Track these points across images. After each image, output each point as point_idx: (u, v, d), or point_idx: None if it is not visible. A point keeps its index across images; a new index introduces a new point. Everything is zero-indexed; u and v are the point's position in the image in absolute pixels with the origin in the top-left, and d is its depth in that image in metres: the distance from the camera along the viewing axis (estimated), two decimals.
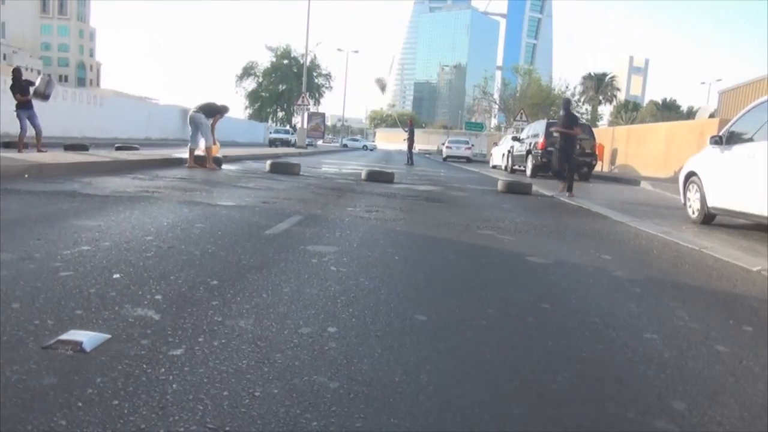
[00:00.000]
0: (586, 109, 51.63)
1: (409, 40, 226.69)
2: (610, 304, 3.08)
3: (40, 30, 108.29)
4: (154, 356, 1.91)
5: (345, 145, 62.69)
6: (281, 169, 11.38)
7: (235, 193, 7.19)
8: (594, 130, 23.20)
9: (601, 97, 68.11)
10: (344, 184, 10.10)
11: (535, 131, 18.61)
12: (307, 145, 36.11)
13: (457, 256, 4.13)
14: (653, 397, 1.89)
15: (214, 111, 10.99)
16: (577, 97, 49.65)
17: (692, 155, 8.02)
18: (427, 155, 52.33)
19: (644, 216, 7.66)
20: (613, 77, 67.74)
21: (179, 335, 2.12)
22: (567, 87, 47.41)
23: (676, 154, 18.43)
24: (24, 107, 11.74)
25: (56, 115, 24.04)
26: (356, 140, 71.67)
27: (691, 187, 7.61)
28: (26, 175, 7.18)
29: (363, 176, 11.21)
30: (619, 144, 23.31)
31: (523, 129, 32.22)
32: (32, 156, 9.50)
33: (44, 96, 12.12)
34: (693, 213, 7.44)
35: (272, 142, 41.72)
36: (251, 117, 65.45)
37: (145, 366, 1.83)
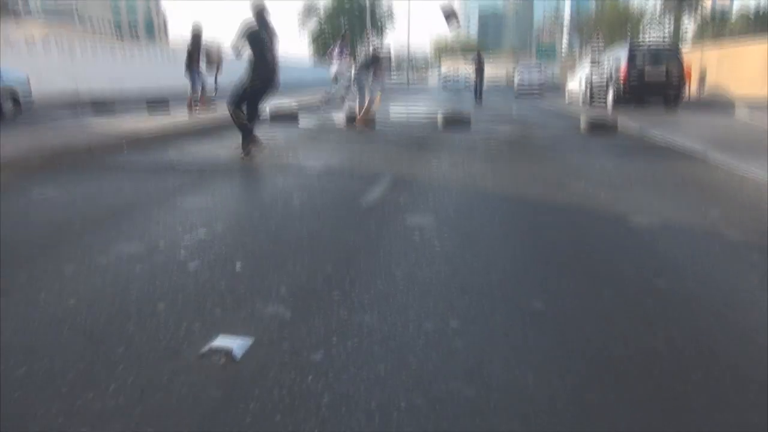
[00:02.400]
0: (669, 22, 47.71)
1: None
2: (730, 278, 2.98)
3: None
4: (297, 362, 2.05)
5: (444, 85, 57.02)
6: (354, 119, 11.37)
7: (319, 153, 7.30)
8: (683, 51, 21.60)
9: (685, 12, 62.66)
10: (421, 133, 10.01)
11: (616, 56, 17.52)
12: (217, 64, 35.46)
13: (556, 220, 4.07)
14: None
15: (372, 63, 10.62)
16: (659, 11, 45.98)
17: None
18: (495, 85, 50.62)
19: (746, 155, 7.18)
20: None
21: (314, 336, 2.25)
22: (647, 2, 43.89)
23: None
24: (194, 69, 12.75)
25: (137, 71, 24.90)
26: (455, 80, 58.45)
27: None
28: (124, 146, 7.57)
29: (439, 123, 11.06)
30: (709, 65, 21.62)
31: (598, 52, 30.39)
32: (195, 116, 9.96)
33: (217, 64, 12.75)
34: None
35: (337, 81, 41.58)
36: (315, 56, 65.24)
37: (293, 374, 1.97)
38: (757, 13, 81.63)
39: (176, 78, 27.16)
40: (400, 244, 3.47)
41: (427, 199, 4.70)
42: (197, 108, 12.70)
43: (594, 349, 2.19)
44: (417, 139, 8.93)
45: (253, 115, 6.64)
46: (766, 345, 2.23)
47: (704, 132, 10.03)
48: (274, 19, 6.59)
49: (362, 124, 10.38)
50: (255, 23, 6.38)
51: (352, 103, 10.67)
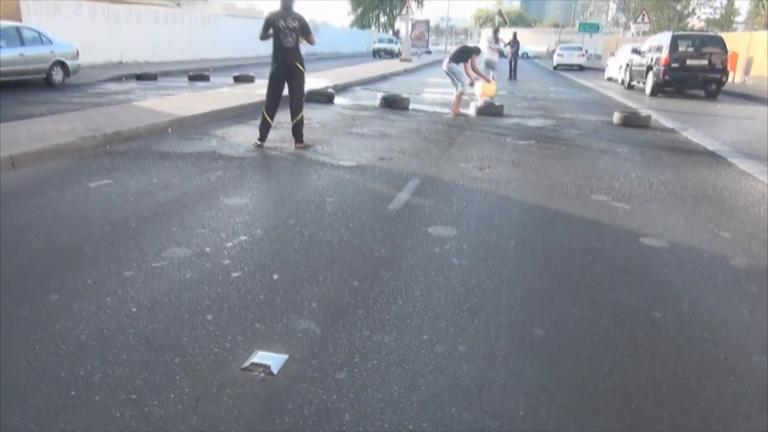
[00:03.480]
0: (720, 3, 45.96)
1: None
2: (723, 311, 3.23)
3: None
4: (324, 379, 2.42)
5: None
6: (390, 104, 11.64)
7: (353, 146, 7.61)
8: (727, 35, 21.00)
9: None
10: (452, 123, 10.21)
11: (658, 44, 17.21)
12: (412, 55, 35.37)
13: (570, 239, 4.33)
14: None
15: (465, 55, 10.95)
16: None
17: None
18: (536, 60, 49.74)
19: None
20: None
21: (339, 354, 2.61)
22: None
23: None
24: None
25: (178, 38, 25.36)
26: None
27: None
28: (169, 130, 8.01)
29: (472, 113, 11.24)
30: (756, 52, 20.99)
31: (643, 32, 29.67)
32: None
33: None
34: None
35: (376, 53, 41.54)
36: (354, 23, 64.87)
37: (320, 391, 2.34)
38: None
39: (214, 46, 27.69)
40: (422, 259, 3.80)
41: (452, 206, 5.00)
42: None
43: (582, 379, 2.51)
44: (447, 129, 9.14)
45: (296, 108, 7.19)
46: (741, 381, 2.51)
47: (738, 128, 9.97)
48: None
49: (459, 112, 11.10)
50: (278, 11, 6.91)
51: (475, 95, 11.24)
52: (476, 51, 11.19)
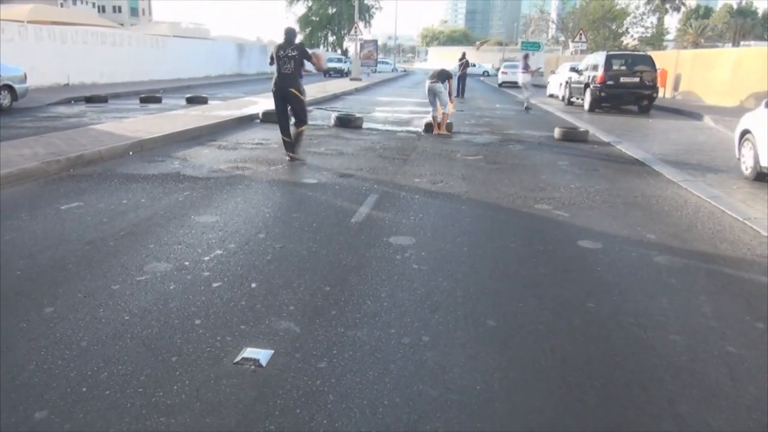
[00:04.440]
0: (651, 23, 48.75)
1: None
2: (647, 300, 3.75)
3: None
4: (308, 369, 2.77)
5: (395, 69, 62.27)
6: (345, 123, 12.08)
7: (312, 164, 7.98)
8: (656, 54, 22.50)
9: (668, 6, 63.76)
10: (405, 141, 10.73)
11: (594, 62, 18.33)
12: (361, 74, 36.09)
13: (517, 244, 4.82)
14: (665, 402, 2.62)
15: (447, 76, 11.62)
16: (642, 10, 46.94)
17: (746, 114, 8.15)
18: (480, 78, 51.35)
19: (698, 171, 8.02)
20: None
21: (319, 348, 2.97)
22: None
23: (744, 81, 17.89)
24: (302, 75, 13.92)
25: (126, 60, 25.15)
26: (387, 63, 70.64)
27: (745, 144, 7.87)
28: (131, 152, 8.18)
29: (422, 129, 11.82)
30: (683, 69, 22.53)
31: (581, 50, 31.24)
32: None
33: (322, 70, 16.23)
34: (746, 169, 7.75)
35: (326, 72, 42.07)
36: (302, 43, 65.37)
37: (305, 378, 2.69)
38: (739, 3, 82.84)
39: (162, 67, 27.55)
40: (385, 265, 4.20)
41: (409, 218, 5.43)
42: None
43: (528, 359, 2.95)
44: (401, 146, 9.63)
45: (300, 120, 8.06)
46: (659, 356, 3.00)
47: (669, 141, 10.84)
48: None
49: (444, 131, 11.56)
50: (281, 42, 7.87)
51: (435, 113, 11.63)
52: (453, 74, 12.10)
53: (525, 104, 18.80)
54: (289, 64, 7.71)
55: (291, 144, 8.06)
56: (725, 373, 2.88)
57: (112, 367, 2.72)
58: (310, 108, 16.69)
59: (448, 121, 11.69)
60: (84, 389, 2.54)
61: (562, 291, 3.84)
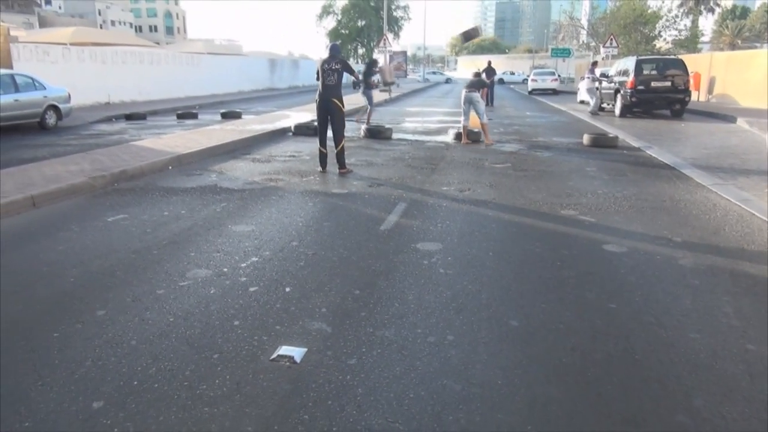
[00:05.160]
0: (685, 25, 47.83)
1: None
2: (669, 300, 3.83)
3: None
4: (339, 365, 2.96)
5: (426, 80, 62.62)
6: (375, 134, 12.32)
7: (343, 174, 8.22)
8: (689, 57, 22.18)
9: (702, 8, 62.56)
10: (434, 151, 10.90)
11: (624, 68, 18.23)
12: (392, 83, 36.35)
13: (542, 248, 4.93)
14: (682, 395, 2.72)
15: (482, 85, 11.96)
16: (674, 12, 46.09)
17: None
18: (511, 86, 51.21)
19: (729, 175, 7.97)
20: None
21: (349, 346, 3.16)
22: (663, 1, 44.00)
23: None
24: (370, 88, 15.25)
25: (162, 77, 26.01)
26: (435, 73, 72.56)
27: None
28: (170, 167, 8.56)
29: (451, 138, 11.97)
30: (717, 71, 22.17)
31: (613, 55, 30.95)
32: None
33: (388, 83, 18.63)
34: None
35: (355, 84, 42.60)
36: (345, 56, 66.44)
37: (336, 373, 2.88)
38: None
39: (197, 83, 28.36)
40: (413, 269, 4.37)
41: (436, 225, 5.59)
42: (363, 121, 14.91)
43: (549, 356, 3.08)
44: (429, 155, 9.81)
45: (336, 138, 8.35)
46: (678, 353, 3.10)
47: (700, 145, 10.74)
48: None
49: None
50: (326, 57, 8.32)
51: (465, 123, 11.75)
52: (488, 85, 12.23)
53: (591, 109, 19.24)
54: (333, 77, 8.16)
55: (326, 156, 8.43)
56: (743, 369, 2.96)
57: (159, 364, 2.96)
58: None
59: (479, 130, 11.78)
60: (135, 382, 2.78)
61: (584, 293, 3.95)
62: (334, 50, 8.45)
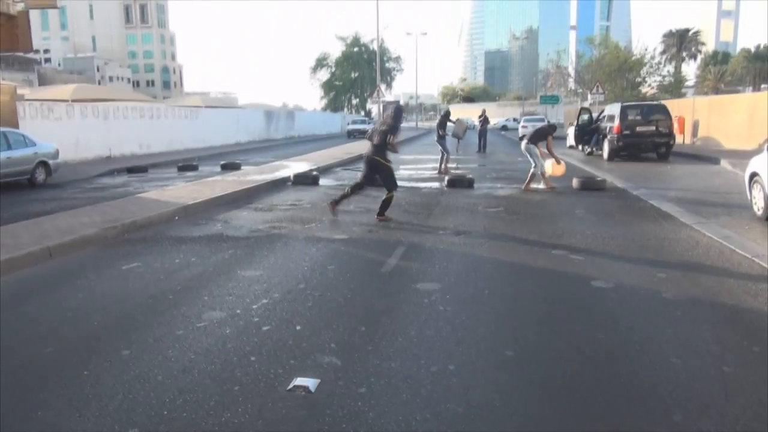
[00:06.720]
0: (668, 71, 49.58)
1: (477, 8, 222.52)
2: (652, 330, 4.13)
3: (125, 40, 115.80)
4: (350, 393, 3.24)
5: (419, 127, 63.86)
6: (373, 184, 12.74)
7: (343, 221, 8.58)
8: (673, 102, 23.05)
9: (684, 54, 64.90)
10: (429, 196, 11.32)
11: (610, 113, 18.94)
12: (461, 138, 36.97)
13: (534, 285, 5.26)
14: (662, 411, 3.00)
15: (543, 135, 12.14)
16: (657, 59, 47.82)
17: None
18: (501, 132, 52.39)
19: (712, 214, 8.36)
20: (697, 32, 64.36)
21: (358, 377, 3.44)
22: (646, 49, 45.78)
23: (760, 124, 18.24)
24: (445, 138, 16.24)
25: (162, 131, 26.66)
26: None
27: (755, 186, 8.25)
28: (176, 217, 8.91)
29: (445, 184, 12.42)
30: (700, 115, 23.01)
31: (599, 101, 31.95)
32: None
33: (460, 137, 19.24)
34: (758, 210, 8.09)
35: (350, 134, 43.55)
36: (327, 106, 68.01)
37: (348, 401, 3.15)
38: (757, 47, 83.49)
39: (196, 136, 29.05)
40: (414, 308, 4.67)
41: (434, 266, 5.92)
42: (444, 169, 15.64)
43: (542, 381, 3.36)
44: (425, 201, 10.20)
45: (388, 188, 8.84)
46: (660, 377, 3.38)
47: (685, 186, 11.18)
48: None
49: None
50: (381, 121, 9.09)
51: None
52: (552, 130, 12.36)
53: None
54: (378, 137, 8.70)
55: (343, 197, 9.04)
56: (719, 388, 3.25)
57: (185, 395, 3.23)
58: (336, 169, 17.59)
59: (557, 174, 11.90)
60: (165, 412, 3.05)
61: (574, 325, 4.26)
62: (389, 117, 8.81)
